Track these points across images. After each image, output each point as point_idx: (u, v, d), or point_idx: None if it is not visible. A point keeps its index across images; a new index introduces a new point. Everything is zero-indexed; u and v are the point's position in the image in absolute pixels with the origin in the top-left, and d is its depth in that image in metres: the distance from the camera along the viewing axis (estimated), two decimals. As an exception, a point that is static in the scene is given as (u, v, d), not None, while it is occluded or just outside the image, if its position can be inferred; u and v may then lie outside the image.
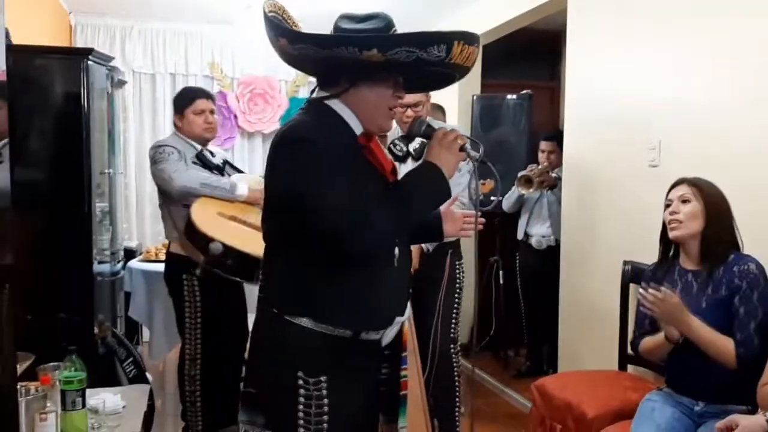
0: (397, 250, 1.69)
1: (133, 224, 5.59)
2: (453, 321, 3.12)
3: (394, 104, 1.69)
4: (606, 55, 3.41)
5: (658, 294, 2.09)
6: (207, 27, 5.63)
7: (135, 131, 5.60)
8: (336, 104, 1.67)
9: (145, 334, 4.67)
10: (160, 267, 3.81)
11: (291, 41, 1.58)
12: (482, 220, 1.88)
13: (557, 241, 4.06)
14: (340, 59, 1.55)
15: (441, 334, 3.07)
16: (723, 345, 2.11)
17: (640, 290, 2.18)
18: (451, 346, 3.11)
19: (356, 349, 1.65)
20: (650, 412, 2.25)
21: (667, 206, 2.30)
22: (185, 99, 3.23)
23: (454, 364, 3.14)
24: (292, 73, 5.82)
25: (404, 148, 3.09)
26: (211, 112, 3.24)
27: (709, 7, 2.73)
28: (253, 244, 2.87)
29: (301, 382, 1.60)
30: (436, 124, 3.16)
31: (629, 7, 3.22)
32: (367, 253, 1.59)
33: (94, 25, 5.40)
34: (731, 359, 2.09)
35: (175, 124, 3.25)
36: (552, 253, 4.16)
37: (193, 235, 2.88)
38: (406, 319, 1.83)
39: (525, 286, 4.71)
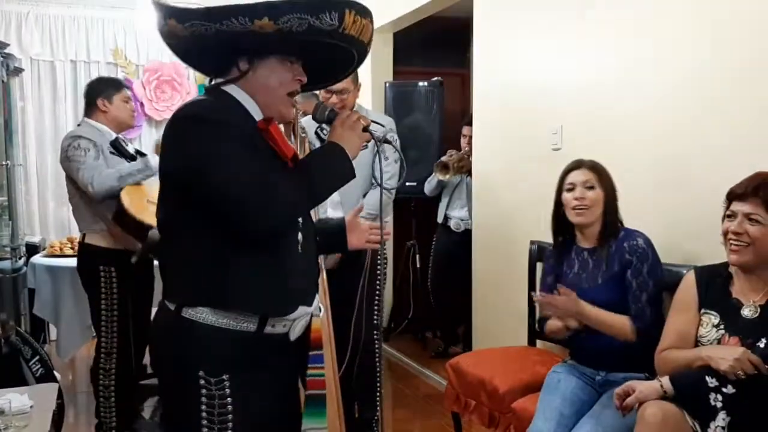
0: (300, 236, 1.63)
1: (36, 218, 5.34)
2: (376, 307, 3.16)
3: (294, 89, 1.65)
4: (510, 42, 3.53)
5: (550, 298, 2.22)
6: (109, 12, 5.43)
7: (34, 121, 5.34)
8: (233, 89, 1.61)
9: (52, 332, 4.50)
10: (66, 262, 3.75)
11: (180, 20, 1.50)
12: (388, 230, 1.90)
13: None
14: (234, 34, 1.49)
15: (365, 320, 3.10)
16: (619, 324, 2.23)
17: (535, 298, 2.31)
18: (374, 332, 3.16)
19: (262, 346, 1.59)
20: (556, 383, 2.37)
21: (569, 190, 2.38)
22: (114, 86, 3.26)
23: (376, 349, 3.19)
24: (201, 59, 5.70)
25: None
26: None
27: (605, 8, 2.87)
28: None
29: (202, 381, 1.53)
30: (374, 115, 3.21)
31: (531, -5, 3.34)
32: (268, 230, 1.51)
33: (-14, 11, 5.12)
34: (629, 334, 2.22)
35: (98, 108, 3.19)
36: (468, 236, 4.29)
37: (129, 225, 2.92)
38: (317, 314, 1.79)
39: (436, 267, 4.81)
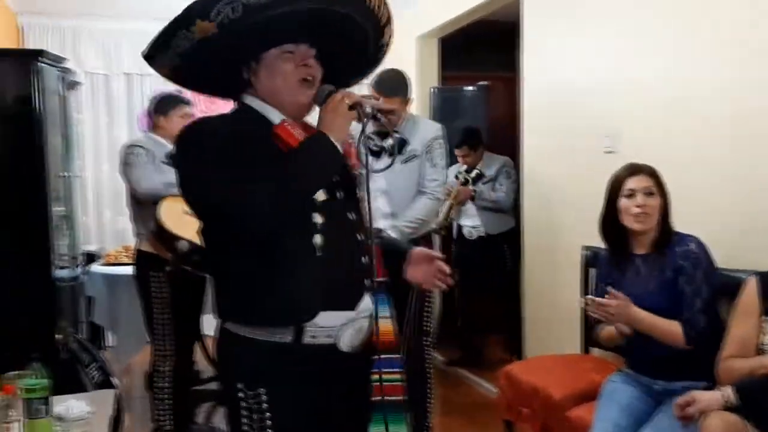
0: (319, 239, 1.52)
1: (93, 228, 5.49)
2: (426, 313, 3.12)
3: (302, 75, 1.56)
4: (560, 44, 3.47)
5: (603, 301, 2.17)
6: (163, 25, 5.53)
7: (92, 133, 5.50)
8: (249, 99, 1.60)
9: (110, 338, 4.61)
10: (122, 270, 3.82)
11: (151, 59, 1.55)
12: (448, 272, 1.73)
13: (488, 234, 4.44)
14: (194, 51, 1.47)
15: (415, 326, 3.07)
16: (671, 329, 2.17)
17: (584, 300, 2.26)
18: (424, 338, 3.13)
19: (305, 358, 1.52)
20: (612, 393, 2.31)
21: (629, 196, 2.30)
22: (172, 102, 3.36)
23: (427, 356, 3.16)
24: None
25: (379, 143, 2.94)
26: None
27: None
28: None
29: (241, 394, 1.52)
30: (422, 121, 3.19)
31: (581, -4, 3.28)
32: (251, 233, 1.46)
33: (43, 26, 5.29)
34: (680, 340, 2.16)
35: (155, 124, 3.34)
36: (483, 243, 4.44)
37: (161, 234, 2.99)
38: (384, 315, 1.71)
39: (462, 275, 4.68)
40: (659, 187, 2.30)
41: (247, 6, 1.39)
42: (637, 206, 2.27)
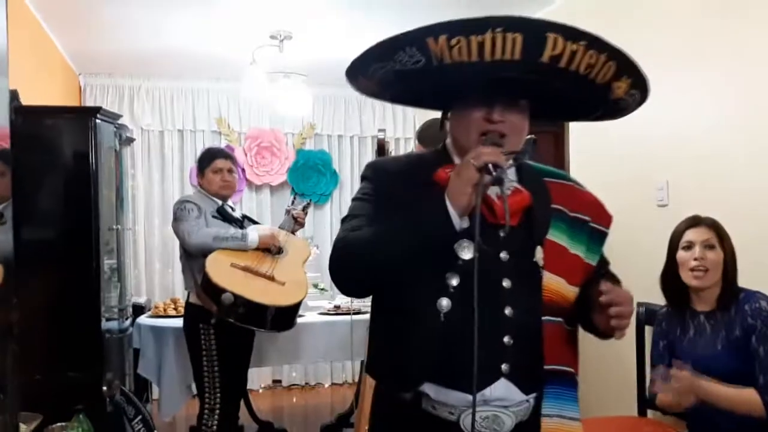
0: (446, 303, 1.34)
1: (142, 280, 5.57)
2: None
3: (484, 128, 1.39)
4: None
5: (669, 374, 2.04)
6: (214, 84, 5.72)
7: (144, 187, 5.64)
8: (447, 127, 1.50)
9: (155, 391, 4.60)
10: (169, 322, 3.86)
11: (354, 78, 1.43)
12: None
13: None
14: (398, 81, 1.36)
15: None
16: (746, 399, 2.03)
17: (650, 382, 2.14)
18: None
19: (422, 421, 1.38)
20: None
21: (687, 248, 2.22)
22: (206, 159, 3.43)
23: None
24: (298, 125, 5.90)
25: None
26: (229, 171, 3.43)
27: (712, 47, 2.75)
28: (263, 292, 3.06)
29: None
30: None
31: (628, 45, 3.25)
32: (347, 291, 1.47)
33: (102, 85, 5.50)
34: (759, 409, 2.01)
35: (198, 183, 3.47)
36: None
37: (207, 286, 3.02)
38: (530, 411, 1.42)
39: None
40: (721, 240, 2.20)
41: (400, 73, 1.32)
42: (695, 259, 2.18)
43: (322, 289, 4.56)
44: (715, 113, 2.74)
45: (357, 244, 1.37)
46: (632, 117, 3.21)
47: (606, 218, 1.56)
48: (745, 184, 2.59)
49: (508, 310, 1.37)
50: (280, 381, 5.82)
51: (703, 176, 2.79)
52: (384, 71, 1.31)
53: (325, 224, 5.97)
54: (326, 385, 5.84)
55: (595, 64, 1.28)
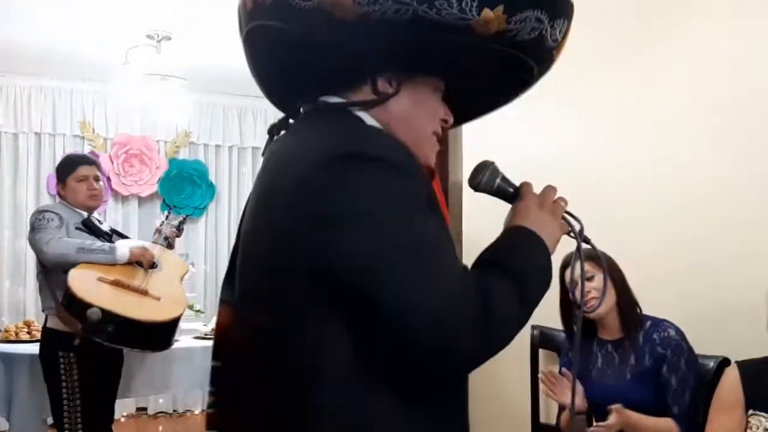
0: None
1: (-13, 300, 4.99)
2: None
3: (439, 128, 1.15)
4: (505, 117, 3.43)
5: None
6: (79, 83, 5.25)
7: (-8, 194, 5.07)
8: (366, 117, 1.08)
9: (4, 426, 4.12)
10: (22, 348, 3.47)
11: None
12: None
13: None
14: (417, 31, 0.98)
15: None
16: (664, 427, 2.02)
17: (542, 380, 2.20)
18: None
19: None
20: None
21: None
22: (67, 166, 3.15)
23: None
24: (171, 132, 5.54)
25: None
26: (96, 178, 3.16)
27: (608, 76, 2.79)
28: (135, 307, 2.83)
29: None
30: None
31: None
32: (475, 362, 1.02)
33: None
34: None
35: (58, 194, 3.18)
36: None
37: (70, 302, 2.76)
38: None
39: None
40: (598, 267, 2.06)
41: (537, 39, 1.04)
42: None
43: (197, 311, 4.26)
44: (591, 137, 2.77)
45: (512, 310, 1.00)
46: (520, 142, 3.23)
47: None
48: (633, 211, 2.60)
49: None
50: (145, 409, 5.37)
51: (590, 204, 2.79)
52: (531, 27, 1.03)
53: (199, 240, 5.61)
54: (196, 412, 5.45)
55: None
